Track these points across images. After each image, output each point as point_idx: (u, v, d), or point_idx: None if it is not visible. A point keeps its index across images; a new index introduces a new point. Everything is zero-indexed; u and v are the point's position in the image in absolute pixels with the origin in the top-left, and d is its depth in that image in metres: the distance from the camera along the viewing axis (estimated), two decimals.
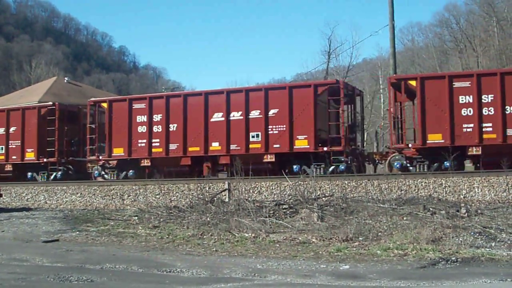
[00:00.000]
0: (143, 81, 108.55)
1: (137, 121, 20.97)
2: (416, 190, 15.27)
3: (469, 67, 47.12)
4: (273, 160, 19.00)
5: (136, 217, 13.83)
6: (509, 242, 9.19)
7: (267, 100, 19.26)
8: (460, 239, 9.37)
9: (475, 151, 17.20)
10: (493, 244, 9.13)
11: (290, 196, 14.38)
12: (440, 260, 8.07)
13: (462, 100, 17.40)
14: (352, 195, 14.51)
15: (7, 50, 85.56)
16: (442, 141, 17.41)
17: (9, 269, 8.30)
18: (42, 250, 10.12)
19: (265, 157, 19.05)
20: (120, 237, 11.57)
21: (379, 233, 10.13)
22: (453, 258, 8.11)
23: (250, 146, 19.29)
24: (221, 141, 19.66)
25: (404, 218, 11.09)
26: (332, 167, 18.23)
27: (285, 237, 10.36)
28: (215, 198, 14.66)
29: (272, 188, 16.97)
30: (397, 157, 18.28)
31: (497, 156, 15.70)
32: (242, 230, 10.97)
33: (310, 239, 10.11)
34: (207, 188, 16.47)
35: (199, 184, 16.61)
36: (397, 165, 17.98)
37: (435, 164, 17.56)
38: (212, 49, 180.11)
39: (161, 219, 13.17)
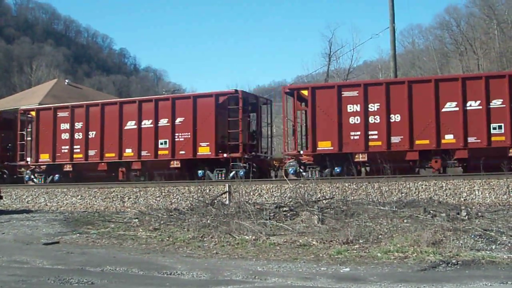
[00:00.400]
0: (143, 83, 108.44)
1: (61, 128, 22.33)
2: (417, 193, 15.29)
3: (470, 70, 47.17)
4: (179, 165, 20.07)
5: (137, 220, 13.82)
6: (509, 245, 9.18)
7: (174, 109, 20.35)
8: (461, 241, 9.36)
9: (361, 157, 17.86)
10: (493, 247, 9.12)
11: (291, 199, 14.39)
12: (441, 263, 8.06)
13: (350, 109, 18.04)
14: (352, 197, 14.51)
15: (7, 52, 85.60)
16: (331, 148, 18.14)
17: (9, 271, 8.30)
18: (42, 252, 10.12)
19: (171, 163, 20.19)
20: (121, 240, 11.57)
21: (380, 236, 10.12)
22: (454, 261, 8.11)
23: (159, 152, 20.44)
24: (134, 148, 20.84)
25: (405, 221, 11.08)
26: (233, 172, 19.20)
27: (285, 240, 10.35)
28: (216, 201, 14.64)
29: (272, 191, 17.00)
30: (292, 163, 18.97)
31: (382, 162, 15.88)
32: (243, 233, 10.96)
33: (311, 242, 10.11)
34: (207, 191, 16.48)
35: (199, 187, 16.63)
36: (291, 171, 18.75)
37: (326, 170, 18.17)
38: (213, 51, 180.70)
39: (162, 222, 13.15)
